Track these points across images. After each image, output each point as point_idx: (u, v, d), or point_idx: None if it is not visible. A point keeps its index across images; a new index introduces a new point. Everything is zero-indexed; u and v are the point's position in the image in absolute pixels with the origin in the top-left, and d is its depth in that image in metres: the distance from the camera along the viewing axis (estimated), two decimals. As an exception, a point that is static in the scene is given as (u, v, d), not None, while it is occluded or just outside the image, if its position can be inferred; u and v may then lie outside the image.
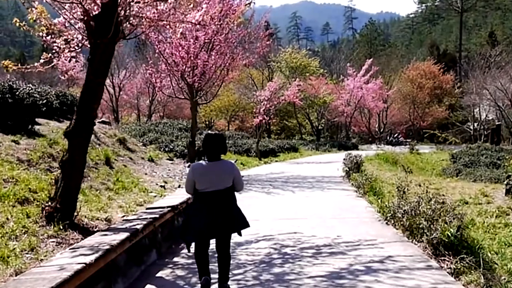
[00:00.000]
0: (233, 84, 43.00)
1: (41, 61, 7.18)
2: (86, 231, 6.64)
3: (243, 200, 12.74)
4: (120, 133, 16.64)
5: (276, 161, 26.50)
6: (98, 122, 18.66)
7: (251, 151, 27.11)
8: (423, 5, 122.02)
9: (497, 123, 41.41)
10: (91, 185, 9.63)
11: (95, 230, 6.77)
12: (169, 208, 7.82)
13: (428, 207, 6.83)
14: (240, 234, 5.30)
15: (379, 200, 10.48)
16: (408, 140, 46.85)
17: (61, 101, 15.24)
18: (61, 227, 6.37)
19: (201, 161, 5.04)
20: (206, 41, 15.67)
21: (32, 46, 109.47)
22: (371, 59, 46.22)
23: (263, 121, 25.00)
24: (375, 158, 23.30)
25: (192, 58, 15.55)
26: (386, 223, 8.58)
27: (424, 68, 53.76)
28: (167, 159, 17.33)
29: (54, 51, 7.26)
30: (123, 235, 5.85)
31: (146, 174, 13.51)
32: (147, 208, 8.14)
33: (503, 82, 41.46)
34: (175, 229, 8.23)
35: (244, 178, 17.51)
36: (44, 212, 6.57)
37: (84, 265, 4.52)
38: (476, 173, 21.40)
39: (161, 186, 12.02)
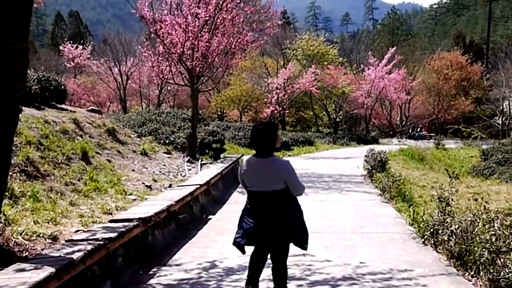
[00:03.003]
0: (246, 73, 41.02)
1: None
2: (10, 258, 4.77)
3: (244, 203, 10.83)
4: (110, 123, 14.80)
5: (289, 155, 24.35)
6: (87, 110, 16.95)
7: (262, 144, 25.09)
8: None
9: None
10: (51, 186, 7.76)
11: (23, 255, 4.89)
12: (136, 222, 5.89)
13: (492, 232, 4.79)
14: (302, 247, 4.47)
15: (411, 209, 8.45)
16: (431, 134, 44.31)
17: (43, 86, 13.50)
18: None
19: (251, 155, 4.34)
20: (207, 18, 13.66)
21: (44, 34, 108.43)
22: (394, 48, 43.57)
23: (276, 112, 22.95)
24: (399, 154, 21.13)
25: (191, 38, 13.58)
26: (423, 242, 6.57)
27: (451, 58, 50.92)
28: (164, 152, 15.42)
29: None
30: (44, 273, 3.94)
31: (133, 170, 11.64)
32: (110, 221, 6.21)
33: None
34: (148, 247, 6.33)
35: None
36: None
37: None
38: (512, 172, 19.22)
39: (147, 186, 10.13)
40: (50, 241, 5.60)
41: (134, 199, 8.50)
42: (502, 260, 4.46)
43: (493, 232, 4.74)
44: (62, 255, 4.50)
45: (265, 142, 4.15)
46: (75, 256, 4.45)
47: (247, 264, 5.85)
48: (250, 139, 4.30)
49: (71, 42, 39.69)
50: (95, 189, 8.51)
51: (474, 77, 51.52)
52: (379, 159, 13.06)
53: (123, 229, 5.43)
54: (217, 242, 7.03)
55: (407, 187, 10.50)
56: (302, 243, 4.42)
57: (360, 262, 5.77)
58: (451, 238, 5.58)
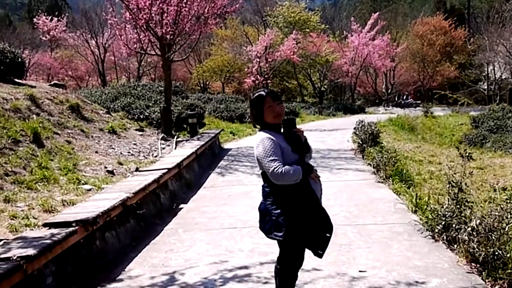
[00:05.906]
0: (227, 42, 39.47)
1: None
2: None
3: (222, 187, 9.61)
4: (75, 98, 13.38)
5: (273, 128, 23.12)
6: (49, 85, 15.45)
7: (245, 116, 23.88)
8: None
9: (515, 82, 37.99)
10: (-17, 178, 6.45)
11: None
12: (73, 228, 4.62)
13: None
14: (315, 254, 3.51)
15: (412, 191, 7.32)
16: (418, 101, 43.34)
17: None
18: None
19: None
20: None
21: (22, 7, 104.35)
22: (377, 13, 42.17)
23: (258, 82, 21.60)
24: (389, 124, 20.01)
25: (159, 2, 12.13)
26: (433, 237, 5.43)
27: (434, 23, 49.66)
28: (136, 129, 14.07)
29: None
30: None
31: (97, 152, 10.31)
32: (44, 224, 4.93)
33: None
34: (94, 256, 5.08)
35: (232, 151, 14.30)
36: None
37: None
38: (506, 140, 18.30)
39: (108, 171, 8.82)
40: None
41: (89, 189, 7.21)
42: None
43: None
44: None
45: (251, 113, 3.53)
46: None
47: (216, 275, 4.70)
48: None
49: (46, 14, 37.89)
50: (42, 178, 7.21)
51: (458, 42, 50.49)
52: (370, 131, 11.85)
53: (49, 241, 4.15)
54: (184, 242, 5.82)
55: (403, 164, 9.37)
56: (315, 249, 3.43)
57: (360, 271, 4.60)
58: (472, 237, 4.42)
